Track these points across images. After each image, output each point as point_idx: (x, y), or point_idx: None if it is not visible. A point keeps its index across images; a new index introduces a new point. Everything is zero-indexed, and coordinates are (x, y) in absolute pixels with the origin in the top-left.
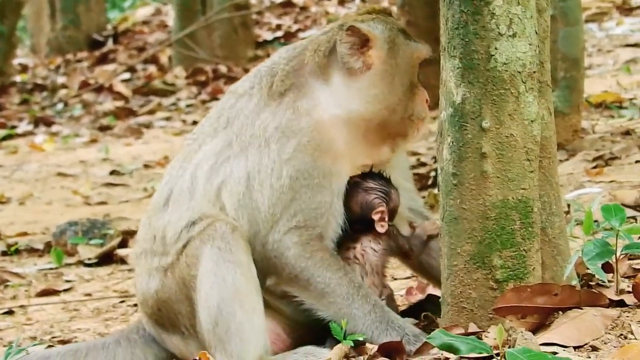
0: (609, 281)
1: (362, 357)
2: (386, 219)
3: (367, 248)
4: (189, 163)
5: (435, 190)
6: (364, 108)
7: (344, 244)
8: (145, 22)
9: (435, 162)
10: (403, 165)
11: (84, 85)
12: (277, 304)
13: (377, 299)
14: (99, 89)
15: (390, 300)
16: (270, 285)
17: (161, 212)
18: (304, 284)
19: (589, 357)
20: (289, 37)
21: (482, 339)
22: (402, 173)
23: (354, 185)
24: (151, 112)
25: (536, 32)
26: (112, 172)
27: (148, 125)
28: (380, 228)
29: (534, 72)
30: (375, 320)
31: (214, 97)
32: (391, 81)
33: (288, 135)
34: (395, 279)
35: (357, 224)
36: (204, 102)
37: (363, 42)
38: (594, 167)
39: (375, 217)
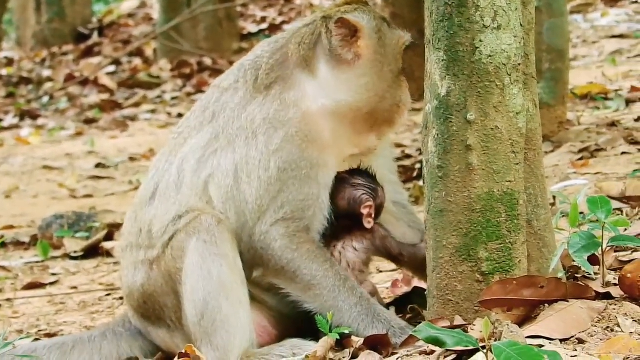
0: (595, 274)
1: (347, 350)
2: (373, 215)
3: (348, 247)
4: (175, 157)
5: (421, 183)
6: (354, 98)
7: (326, 241)
8: (130, 15)
9: (420, 154)
10: (388, 157)
11: (70, 78)
12: (263, 297)
13: (364, 292)
14: (85, 82)
15: (372, 296)
16: (256, 277)
17: (147, 206)
18: (291, 276)
19: (576, 350)
20: (274, 29)
21: (468, 332)
22: (387, 165)
23: (341, 180)
24: (136, 104)
25: (521, 25)
26: (98, 165)
27: (133, 118)
28: (367, 224)
29: (519, 64)
30: (362, 312)
31: (199, 90)
32: (381, 69)
33: (276, 127)
34: (381, 272)
35: (344, 220)
36: (189, 94)
37: (352, 33)
38: (580, 159)
39: (364, 211)
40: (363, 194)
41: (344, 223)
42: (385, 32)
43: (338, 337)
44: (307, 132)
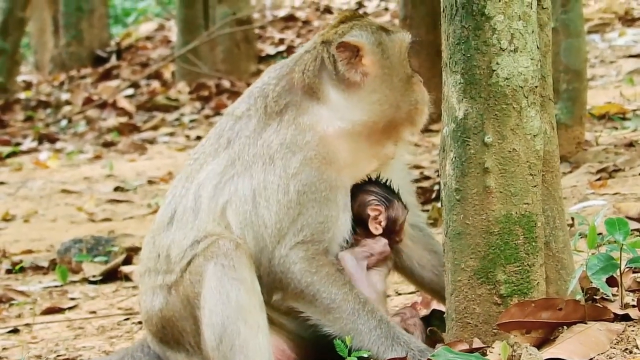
0: (614, 295)
1: None
2: (382, 222)
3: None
4: (192, 183)
5: (439, 204)
6: (369, 116)
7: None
8: (148, 38)
9: (438, 175)
10: (405, 179)
11: (88, 101)
12: (282, 320)
13: (383, 315)
14: (103, 105)
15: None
16: (275, 301)
17: (165, 232)
18: (310, 299)
19: None
20: (292, 51)
21: (486, 355)
22: (405, 187)
23: (356, 187)
24: (155, 127)
25: (538, 47)
26: (116, 189)
27: (152, 141)
28: (375, 229)
29: (536, 86)
30: (381, 335)
31: (217, 112)
32: (390, 80)
33: (293, 150)
34: (400, 294)
35: (357, 225)
36: (207, 117)
37: (355, 54)
38: (598, 180)
39: (371, 213)
40: (373, 199)
41: (359, 232)
42: (387, 42)
43: None
44: (325, 155)
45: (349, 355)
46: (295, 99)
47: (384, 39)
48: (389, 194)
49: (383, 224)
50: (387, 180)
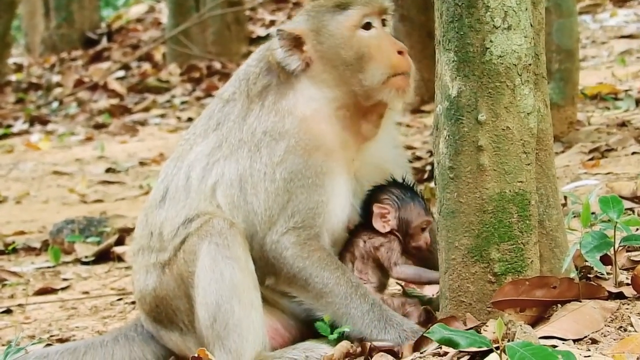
0: (608, 273)
1: (362, 357)
2: (391, 221)
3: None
4: (183, 162)
5: (432, 184)
6: (332, 93)
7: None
8: (139, 20)
9: (430, 156)
10: (401, 159)
11: (79, 83)
12: (276, 299)
13: (375, 298)
14: (94, 87)
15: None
16: (269, 285)
17: (158, 209)
18: (302, 284)
19: (589, 350)
20: None
21: (481, 333)
22: (400, 167)
23: (379, 187)
24: (146, 109)
25: (531, 25)
26: (108, 170)
27: (143, 123)
28: (381, 227)
29: (530, 64)
30: (374, 319)
31: (208, 94)
32: (334, 61)
33: (276, 139)
34: None
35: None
36: (198, 98)
37: (296, 41)
38: (590, 159)
39: (376, 210)
40: (385, 197)
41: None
42: (326, 24)
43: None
44: (308, 140)
45: (331, 333)
46: (274, 80)
47: (325, 21)
48: (408, 197)
49: (392, 223)
50: (411, 183)
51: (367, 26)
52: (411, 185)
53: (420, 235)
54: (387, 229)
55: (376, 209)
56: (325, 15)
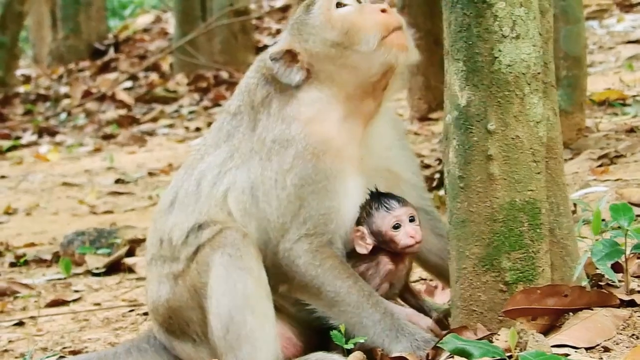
0: (619, 281)
1: None
2: (368, 240)
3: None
4: (194, 170)
5: (440, 192)
6: (333, 89)
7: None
8: (145, 30)
9: (439, 163)
10: (412, 163)
11: (87, 94)
12: (289, 307)
13: (388, 306)
14: (102, 98)
15: None
16: (282, 292)
17: (166, 215)
18: (315, 292)
19: (601, 358)
20: None
21: (492, 342)
22: (410, 168)
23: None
24: (154, 119)
25: (539, 33)
26: (117, 181)
27: (151, 133)
28: (363, 249)
29: (539, 73)
30: (386, 328)
31: (216, 104)
32: (326, 51)
33: (285, 146)
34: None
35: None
36: (206, 108)
37: (289, 55)
38: (600, 166)
39: (352, 234)
40: (358, 218)
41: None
42: (309, 25)
43: (351, 347)
44: (315, 144)
45: (346, 343)
46: (275, 87)
47: (303, 24)
48: (373, 207)
49: (369, 241)
50: (374, 188)
51: (339, 5)
52: (373, 191)
53: (398, 235)
54: (369, 249)
55: (352, 233)
56: (300, 18)
